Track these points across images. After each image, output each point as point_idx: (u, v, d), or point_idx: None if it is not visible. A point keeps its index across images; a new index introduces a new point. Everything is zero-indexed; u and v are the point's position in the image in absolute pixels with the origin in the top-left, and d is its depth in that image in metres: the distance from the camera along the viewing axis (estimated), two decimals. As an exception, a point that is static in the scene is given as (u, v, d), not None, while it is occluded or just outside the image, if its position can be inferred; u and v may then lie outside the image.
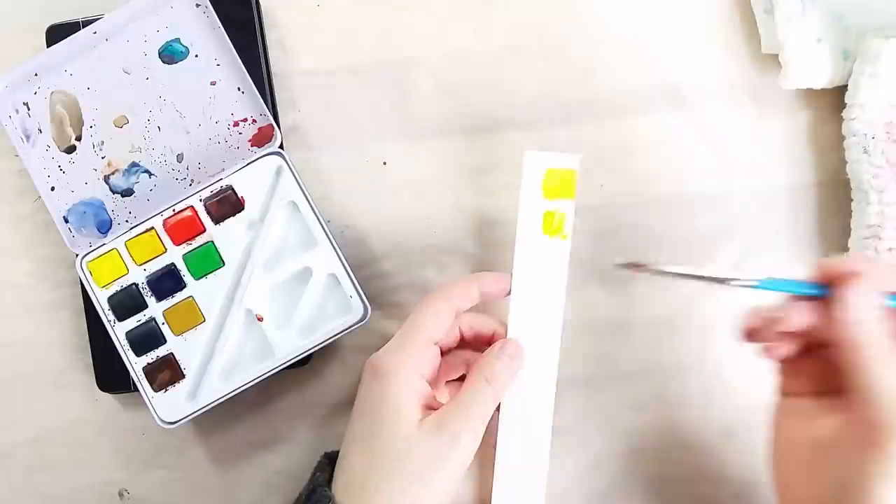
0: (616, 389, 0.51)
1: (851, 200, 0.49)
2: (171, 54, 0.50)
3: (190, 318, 0.49)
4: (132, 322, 0.48)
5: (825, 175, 0.51)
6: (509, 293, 0.46)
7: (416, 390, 0.43)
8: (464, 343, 0.47)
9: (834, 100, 0.50)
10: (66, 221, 0.50)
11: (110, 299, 0.48)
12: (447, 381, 0.48)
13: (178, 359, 0.48)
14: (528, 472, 0.47)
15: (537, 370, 0.46)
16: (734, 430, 0.51)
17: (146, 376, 0.48)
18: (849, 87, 0.48)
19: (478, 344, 0.47)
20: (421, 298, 0.46)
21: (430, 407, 0.43)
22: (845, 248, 0.49)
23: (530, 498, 0.47)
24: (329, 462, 0.45)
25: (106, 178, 0.51)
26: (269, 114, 0.49)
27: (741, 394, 0.51)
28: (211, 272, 0.49)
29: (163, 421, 0.48)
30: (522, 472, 0.47)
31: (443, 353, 0.46)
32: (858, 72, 0.47)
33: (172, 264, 0.49)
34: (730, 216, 0.51)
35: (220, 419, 0.51)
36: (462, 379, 0.48)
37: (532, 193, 0.46)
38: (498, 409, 0.46)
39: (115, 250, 0.48)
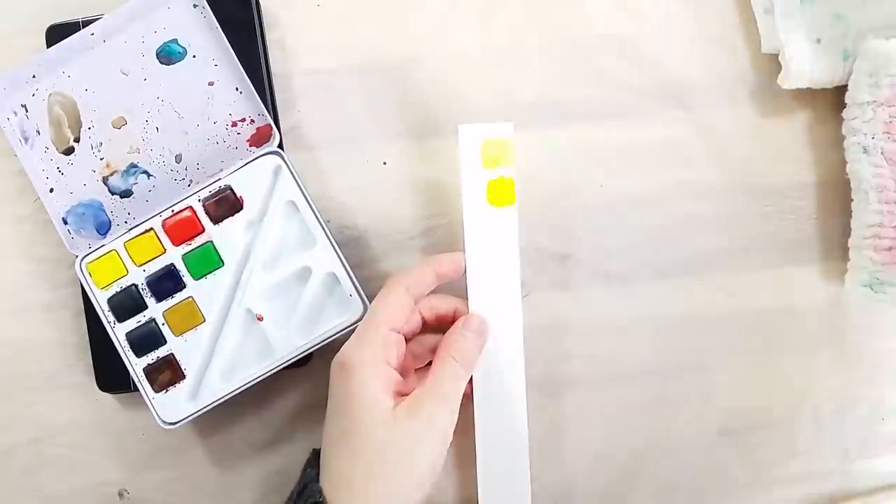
0: (616, 389, 0.51)
1: (851, 200, 0.49)
2: (168, 55, 0.50)
3: (190, 318, 0.49)
4: (132, 323, 0.48)
5: (825, 175, 0.51)
6: (465, 271, 0.47)
7: (384, 379, 0.43)
8: (426, 327, 0.48)
9: (834, 100, 0.50)
10: (65, 223, 0.50)
11: (110, 300, 0.48)
12: (416, 370, 0.48)
13: (178, 359, 0.48)
14: (509, 442, 0.47)
15: (503, 340, 0.47)
16: (734, 430, 0.51)
17: (147, 377, 0.48)
18: (849, 87, 0.48)
19: (441, 326, 0.47)
20: (380, 289, 0.46)
21: (402, 393, 0.44)
22: (845, 248, 0.49)
23: (515, 469, 0.47)
24: (318, 458, 0.45)
25: (104, 180, 0.51)
26: (267, 114, 0.49)
27: (741, 394, 0.51)
28: (210, 272, 0.49)
29: (164, 422, 0.48)
30: (503, 442, 0.47)
31: (407, 341, 0.46)
32: (858, 72, 0.47)
33: (172, 265, 0.49)
34: (729, 216, 0.51)
35: (220, 419, 0.51)
36: (431, 366, 0.48)
37: (472, 165, 0.47)
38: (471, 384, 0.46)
39: (114, 251, 0.48)
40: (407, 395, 0.44)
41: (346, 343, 0.45)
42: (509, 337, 0.47)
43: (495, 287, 0.47)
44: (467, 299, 0.47)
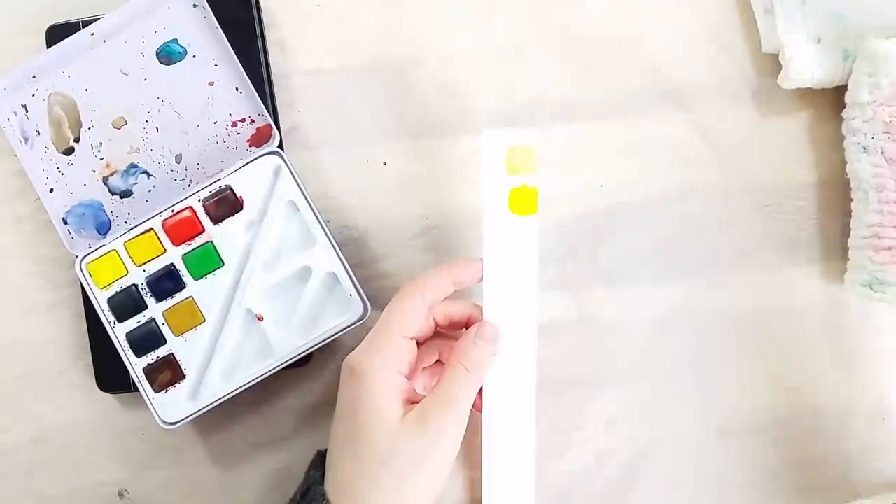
0: (615, 389, 0.51)
1: (851, 200, 0.49)
2: (168, 55, 0.50)
3: (190, 318, 0.49)
4: (132, 323, 0.48)
5: (825, 175, 0.51)
6: (482, 279, 0.46)
7: (394, 387, 0.43)
8: (439, 329, 0.47)
9: (834, 100, 0.50)
10: (66, 223, 0.50)
11: (110, 300, 0.48)
12: (424, 368, 0.48)
13: (178, 359, 0.48)
14: (517, 456, 0.46)
15: (516, 350, 0.46)
16: (734, 430, 0.51)
17: (146, 377, 0.48)
18: (849, 87, 0.48)
19: (454, 329, 0.47)
20: (395, 294, 0.45)
21: (411, 400, 0.43)
22: (845, 248, 0.49)
23: (520, 484, 0.46)
24: (322, 460, 0.45)
25: (104, 180, 0.51)
26: (266, 114, 0.49)
27: (741, 394, 0.51)
28: (210, 272, 0.49)
29: (164, 422, 0.48)
30: (511, 456, 0.46)
31: (419, 345, 0.46)
32: (858, 72, 0.47)
33: (172, 265, 0.49)
34: (729, 216, 0.51)
35: (220, 419, 0.51)
36: (439, 363, 0.48)
37: (494, 172, 0.45)
38: (481, 392, 0.46)
39: (114, 251, 0.48)
40: (416, 401, 0.43)
41: (358, 348, 0.44)
42: (523, 346, 0.46)
43: (511, 297, 0.46)
44: (481, 305, 0.46)
